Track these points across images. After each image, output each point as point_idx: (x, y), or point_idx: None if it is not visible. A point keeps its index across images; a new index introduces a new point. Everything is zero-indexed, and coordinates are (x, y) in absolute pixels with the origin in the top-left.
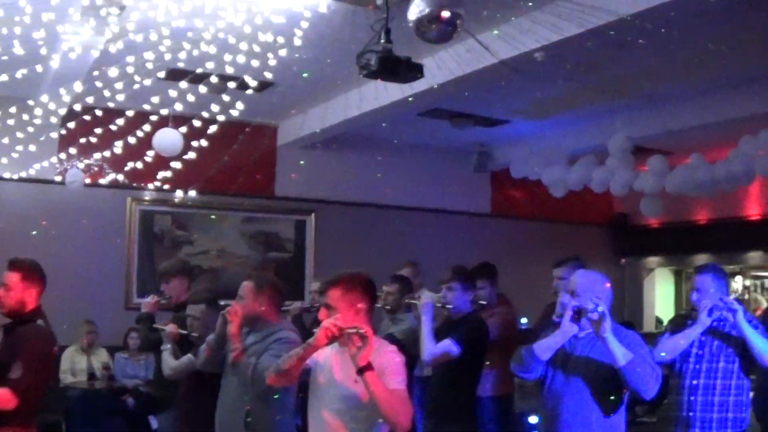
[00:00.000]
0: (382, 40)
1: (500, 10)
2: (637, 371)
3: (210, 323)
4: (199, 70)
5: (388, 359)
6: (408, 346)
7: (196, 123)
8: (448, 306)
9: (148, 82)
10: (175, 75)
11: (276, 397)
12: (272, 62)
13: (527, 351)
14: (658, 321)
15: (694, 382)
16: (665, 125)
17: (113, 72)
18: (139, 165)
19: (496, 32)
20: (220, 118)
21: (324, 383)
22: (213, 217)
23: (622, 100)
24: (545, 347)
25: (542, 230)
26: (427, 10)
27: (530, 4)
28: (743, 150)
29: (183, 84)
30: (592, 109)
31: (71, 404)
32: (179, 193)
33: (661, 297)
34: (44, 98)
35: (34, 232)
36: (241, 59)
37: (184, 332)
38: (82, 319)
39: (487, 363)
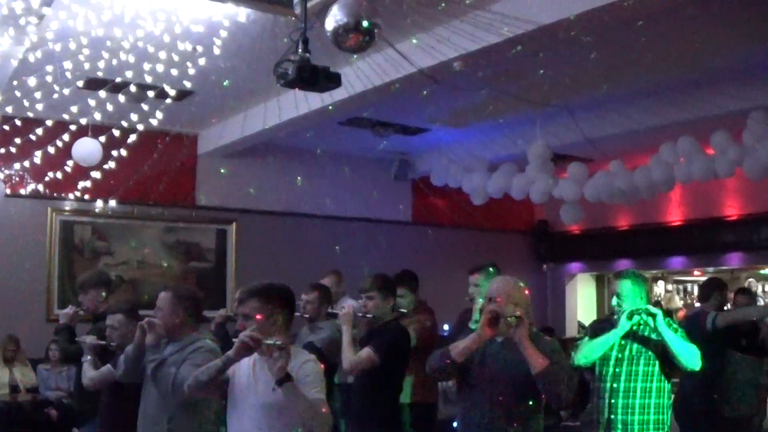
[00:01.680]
0: (300, 50)
1: (419, 20)
2: (552, 378)
3: (128, 333)
4: (118, 80)
5: (308, 368)
6: (328, 355)
7: (116, 132)
8: (368, 315)
9: (67, 91)
10: (94, 84)
11: (195, 406)
12: (191, 71)
13: (442, 353)
14: (581, 326)
15: (615, 385)
16: (584, 133)
17: (32, 81)
18: (59, 175)
19: (414, 41)
20: (140, 127)
21: (242, 392)
22: (125, 222)
23: (542, 109)
24: (460, 349)
25: (464, 238)
26: (344, 20)
27: (448, 13)
28: (663, 157)
29: (102, 93)
30: (511, 118)
31: None
32: (99, 203)
33: (583, 302)
34: None
35: None
36: (160, 68)
37: (103, 342)
38: (2, 331)
39: (408, 369)
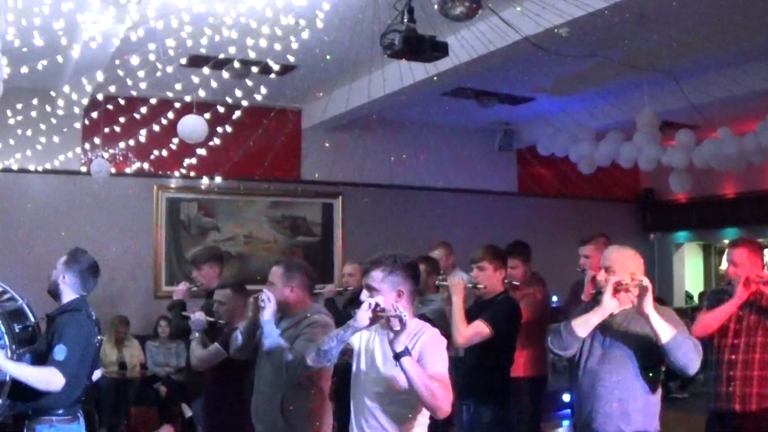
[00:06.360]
0: (406, 20)
1: None
2: (682, 347)
3: (236, 308)
4: (221, 56)
5: (430, 341)
6: (439, 326)
7: (220, 109)
8: (479, 286)
9: (170, 69)
10: (197, 61)
11: (309, 382)
12: (294, 45)
13: (565, 328)
14: (688, 296)
15: (733, 357)
16: (690, 99)
17: (135, 60)
18: (165, 153)
19: (519, 9)
20: (244, 103)
21: (364, 367)
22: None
23: (647, 75)
24: (583, 324)
25: (569, 208)
26: None
27: None
28: None
29: (205, 70)
30: (617, 85)
31: (102, 394)
32: (205, 180)
33: (690, 272)
34: (66, 89)
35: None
36: (263, 43)
37: (211, 319)
38: (111, 309)
39: (520, 343)
